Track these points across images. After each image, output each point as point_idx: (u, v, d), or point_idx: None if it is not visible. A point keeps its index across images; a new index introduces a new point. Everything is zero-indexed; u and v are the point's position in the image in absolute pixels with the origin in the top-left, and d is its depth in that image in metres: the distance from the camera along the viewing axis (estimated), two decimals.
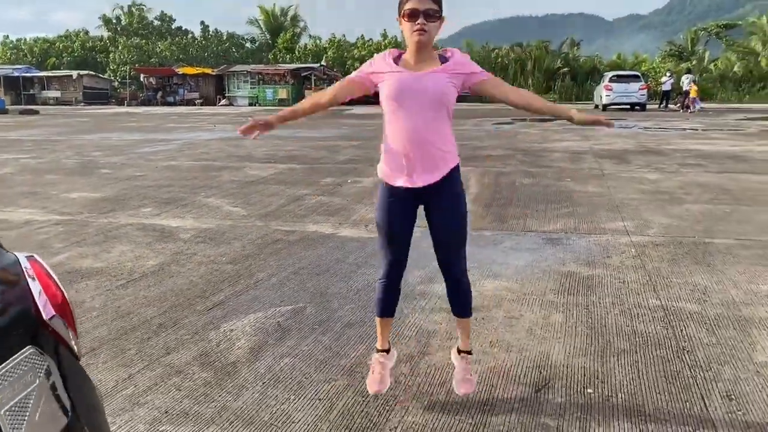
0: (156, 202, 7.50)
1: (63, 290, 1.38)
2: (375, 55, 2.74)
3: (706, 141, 14.73)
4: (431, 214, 2.72)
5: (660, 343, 3.42)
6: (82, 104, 44.28)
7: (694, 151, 12.40)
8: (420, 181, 2.61)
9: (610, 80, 29.74)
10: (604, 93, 29.40)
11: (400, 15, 2.53)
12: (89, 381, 1.44)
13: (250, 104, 41.49)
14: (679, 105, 30.93)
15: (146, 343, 3.48)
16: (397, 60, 2.61)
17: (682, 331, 3.59)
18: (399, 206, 2.68)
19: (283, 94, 40.99)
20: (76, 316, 3.86)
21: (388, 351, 2.94)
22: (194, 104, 42.80)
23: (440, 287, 4.27)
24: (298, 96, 40.83)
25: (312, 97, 2.80)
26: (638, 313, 3.86)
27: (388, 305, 2.87)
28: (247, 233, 5.94)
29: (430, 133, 2.57)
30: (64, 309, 1.35)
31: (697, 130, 18.46)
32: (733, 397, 2.84)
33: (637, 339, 3.48)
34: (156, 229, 6.16)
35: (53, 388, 1.24)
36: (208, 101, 43.45)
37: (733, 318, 3.77)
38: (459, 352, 2.97)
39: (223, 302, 4.11)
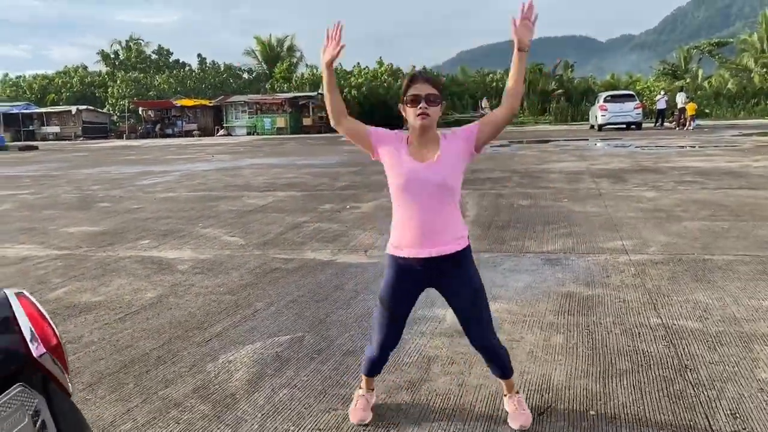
0: (154, 235, 7.50)
1: (53, 326, 1.37)
2: (398, 130, 2.79)
3: (702, 158, 14.78)
4: (448, 297, 2.74)
5: (662, 362, 3.39)
6: (82, 139, 44.53)
7: (691, 168, 12.44)
8: (433, 252, 2.62)
9: (605, 100, 29.93)
10: (599, 113, 29.58)
11: (403, 102, 2.64)
12: (81, 418, 1.43)
13: (249, 133, 41.72)
14: (674, 123, 31.10)
15: (144, 377, 3.45)
16: (407, 142, 2.69)
17: (684, 349, 3.56)
18: (406, 285, 2.71)
19: (281, 122, 41.23)
20: (74, 350, 3.81)
21: (372, 389, 3.04)
22: (192, 135, 43.04)
23: (441, 311, 4.26)
24: (296, 124, 41.11)
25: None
26: (639, 333, 3.83)
27: (375, 369, 2.95)
28: (245, 263, 5.93)
29: (439, 218, 2.63)
30: (54, 345, 1.34)
31: (693, 147, 18.55)
32: (737, 415, 2.81)
33: (639, 358, 3.45)
34: (154, 261, 6.15)
35: (43, 426, 1.22)
36: (206, 132, 43.70)
37: (735, 335, 3.74)
38: (504, 394, 2.97)
39: (221, 333, 4.08)
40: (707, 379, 3.17)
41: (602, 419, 2.82)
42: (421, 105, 2.57)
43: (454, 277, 2.67)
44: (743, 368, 3.28)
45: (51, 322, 1.37)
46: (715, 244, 6.02)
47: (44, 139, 45.03)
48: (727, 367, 3.31)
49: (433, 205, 2.61)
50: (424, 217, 2.61)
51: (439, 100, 2.61)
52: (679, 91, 33.12)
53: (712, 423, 2.75)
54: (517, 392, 2.94)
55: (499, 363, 2.83)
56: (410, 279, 2.69)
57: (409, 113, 2.61)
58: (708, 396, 2.99)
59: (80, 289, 5.24)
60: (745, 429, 2.69)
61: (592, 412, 2.88)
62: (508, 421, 2.83)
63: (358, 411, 2.91)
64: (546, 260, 5.66)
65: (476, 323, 2.73)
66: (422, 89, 2.58)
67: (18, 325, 1.28)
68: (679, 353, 3.50)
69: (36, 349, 1.27)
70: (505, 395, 2.94)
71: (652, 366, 3.35)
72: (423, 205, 2.61)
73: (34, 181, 15.05)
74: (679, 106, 30.32)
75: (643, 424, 2.77)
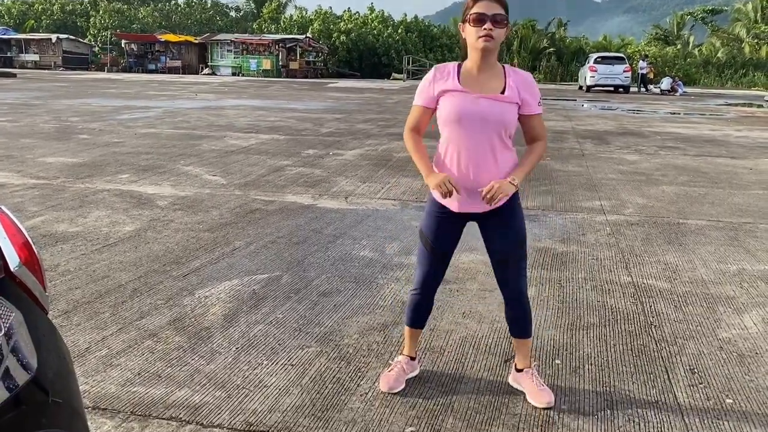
0: (134, 169, 7.42)
1: (31, 242, 1.37)
2: (433, 67, 2.51)
3: (686, 125, 14.87)
4: (487, 231, 2.59)
5: (629, 318, 3.49)
6: (62, 69, 43.35)
7: (674, 134, 12.52)
8: (475, 208, 2.49)
9: (595, 62, 29.76)
10: (588, 74, 29.45)
11: (463, 21, 2.38)
12: (58, 335, 1.44)
13: (233, 74, 40.94)
14: (657, 87, 31.39)
15: (120, 307, 3.48)
16: (457, 72, 2.44)
17: (651, 307, 3.67)
18: (448, 223, 2.56)
19: (267, 64, 40.48)
20: (50, 278, 3.80)
21: (413, 358, 2.81)
22: (176, 72, 42.12)
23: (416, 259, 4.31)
24: (281, 67, 40.37)
25: (412, 137, 2.53)
26: (609, 289, 3.93)
27: (419, 317, 2.73)
28: (226, 202, 5.91)
29: (488, 159, 2.43)
30: (31, 260, 1.35)
31: (678, 113, 18.62)
32: (695, 370, 2.92)
33: (607, 314, 3.55)
34: (133, 195, 6.10)
35: (18, 339, 1.24)
36: (190, 69, 42.79)
37: (701, 296, 3.85)
38: (518, 370, 2.72)
39: (198, 269, 4.10)
40: (670, 336, 3.28)
41: (566, 368, 2.92)
42: (485, 25, 2.29)
43: (498, 213, 2.50)
44: (705, 327, 3.40)
45: (29, 238, 1.37)
46: (691, 208, 6.12)
47: (22, 66, 43.75)
48: (690, 325, 3.42)
49: (484, 141, 2.40)
50: (473, 157, 2.41)
51: (506, 21, 2.34)
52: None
53: (671, 376, 2.86)
54: (530, 366, 2.70)
55: (524, 317, 2.67)
56: (453, 221, 2.56)
57: (470, 34, 2.34)
58: (669, 351, 3.10)
59: (57, 219, 5.20)
60: (701, 383, 2.80)
61: (557, 361, 2.98)
62: (530, 401, 2.60)
63: (389, 377, 2.68)
64: (524, 216, 5.71)
65: (514, 266, 2.58)
66: (489, 8, 2.30)
67: None
68: (646, 310, 3.61)
69: (12, 263, 1.28)
70: (517, 371, 2.71)
71: (618, 321, 3.45)
72: (473, 140, 2.40)
73: (11, 108, 14.69)
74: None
75: (605, 374, 2.87)
